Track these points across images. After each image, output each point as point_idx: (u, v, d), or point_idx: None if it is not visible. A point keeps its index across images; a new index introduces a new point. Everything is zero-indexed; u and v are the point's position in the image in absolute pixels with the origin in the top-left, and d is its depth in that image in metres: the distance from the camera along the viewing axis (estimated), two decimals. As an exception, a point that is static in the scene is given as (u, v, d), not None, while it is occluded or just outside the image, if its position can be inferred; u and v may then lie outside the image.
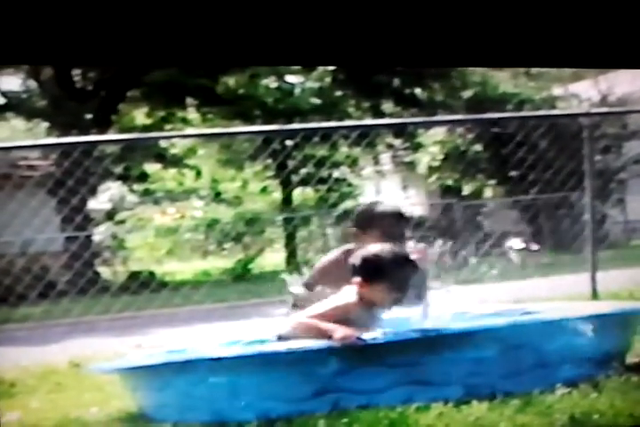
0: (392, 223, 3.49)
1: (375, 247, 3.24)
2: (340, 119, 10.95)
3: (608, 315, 3.40)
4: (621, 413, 2.77)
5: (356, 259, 3.22)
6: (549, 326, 3.23)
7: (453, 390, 2.95)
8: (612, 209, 12.10)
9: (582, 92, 12.94)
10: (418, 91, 13.23)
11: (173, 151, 13.53)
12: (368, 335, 3.03)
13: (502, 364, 3.06)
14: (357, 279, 3.16)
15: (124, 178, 12.90)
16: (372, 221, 3.51)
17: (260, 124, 11.26)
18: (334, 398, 2.93)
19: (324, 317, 3.11)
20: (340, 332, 2.98)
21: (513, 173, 11.22)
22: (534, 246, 11.33)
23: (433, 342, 3.05)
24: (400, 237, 3.47)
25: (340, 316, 3.11)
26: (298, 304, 3.37)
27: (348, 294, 3.19)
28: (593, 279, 5.41)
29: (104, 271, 11.53)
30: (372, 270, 3.16)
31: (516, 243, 11.99)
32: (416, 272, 3.25)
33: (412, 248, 3.39)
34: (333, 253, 3.59)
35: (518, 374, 3.05)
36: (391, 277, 3.14)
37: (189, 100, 12.70)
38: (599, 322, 3.31)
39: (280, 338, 3.18)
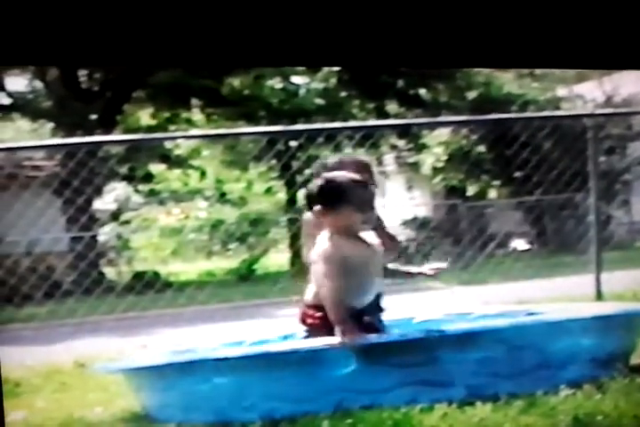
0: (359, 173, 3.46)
1: (327, 174, 3.25)
2: (345, 120, 10.95)
3: (612, 316, 3.40)
4: (625, 414, 2.77)
5: (311, 189, 3.21)
6: (553, 327, 3.23)
7: (457, 390, 2.96)
8: (617, 210, 12.09)
9: (587, 92, 12.93)
10: (422, 92, 13.22)
11: (178, 152, 13.54)
12: (371, 336, 3.04)
13: (506, 365, 3.07)
14: (318, 208, 3.14)
15: (129, 178, 12.92)
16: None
17: (265, 125, 11.28)
18: (338, 399, 2.94)
19: (333, 275, 3.06)
20: (342, 331, 2.98)
21: (517, 174, 11.21)
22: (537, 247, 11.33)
23: (437, 343, 3.05)
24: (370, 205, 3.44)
25: (339, 263, 3.08)
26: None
27: (322, 239, 3.16)
28: (597, 280, 5.41)
29: (109, 271, 11.54)
30: (330, 194, 3.14)
31: (520, 244, 11.99)
32: (373, 194, 3.26)
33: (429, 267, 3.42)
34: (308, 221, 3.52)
35: (522, 375, 3.05)
36: (351, 197, 3.14)
37: (194, 101, 12.71)
38: (603, 323, 3.31)
39: (307, 308, 3.15)
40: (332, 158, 3.70)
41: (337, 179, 3.21)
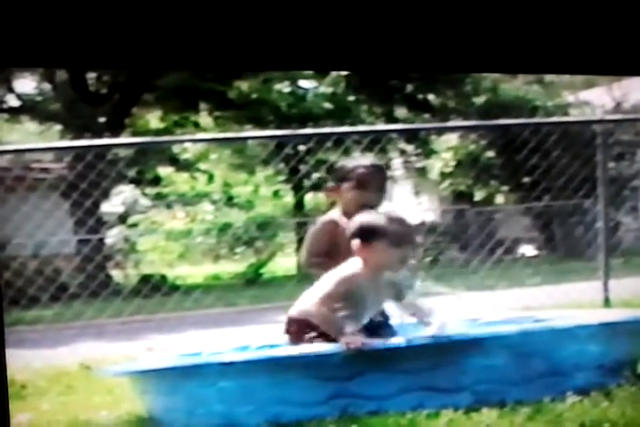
0: (371, 177, 3.50)
1: (371, 212, 3.32)
2: (353, 124, 10.95)
3: (620, 323, 3.39)
4: (633, 422, 2.76)
5: (354, 223, 3.24)
6: (561, 333, 3.23)
7: (463, 396, 2.95)
8: (626, 216, 12.04)
9: (596, 98, 12.90)
10: (431, 97, 13.21)
11: (186, 155, 13.56)
12: (375, 342, 3.04)
13: (513, 371, 3.06)
14: (357, 242, 3.18)
15: (136, 181, 12.93)
16: (349, 176, 3.49)
17: (273, 129, 11.28)
18: (344, 404, 2.94)
19: (331, 297, 3.10)
20: (346, 338, 2.98)
21: (526, 180, 11.19)
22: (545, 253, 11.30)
23: (443, 349, 3.05)
24: (380, 191, 3.50)
25: (348, 290, 3.12)
26: None
27: (351, 265, 3.20)
28: (605, 287, 5.39)
29: (116, 274, 11.54)
30: (372, 231, 3.18)
31: (528, 249, 11.96)
32: (414, 232, 3.33)
33: None
34: (318, 228, 3.56)
35: (529, 381, 3.04)
36: (392, 235, 3.17)
37: (202, 105, 12.73)
38: (611, 330, 3.30)
39: (289, 322, 3.17)
40: (347, 162, 3.68)
41: (379, 216, 3.30)
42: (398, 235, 3.20)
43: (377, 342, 3.03)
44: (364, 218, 3.27)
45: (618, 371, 3.12)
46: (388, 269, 3.21)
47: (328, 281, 3.16)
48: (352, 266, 3.20)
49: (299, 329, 3.12)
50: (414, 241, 3.35)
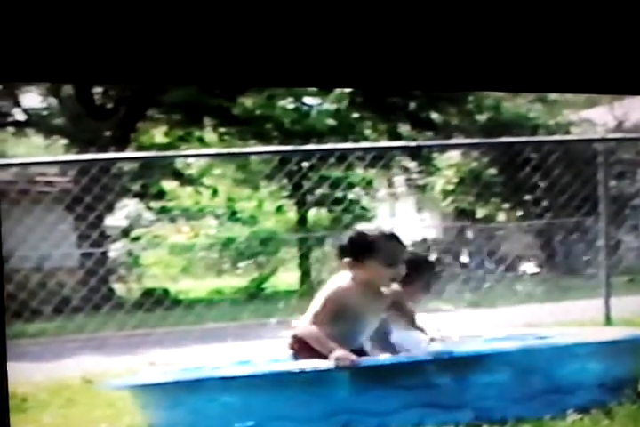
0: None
1: (362, 228, 3.32)
2: (356, 141, 10.99)
3: (621, 341, 3.39)
4: (633, 440, 2.76)
5: (344, 240, 3.22)
6: (562, 351, 3.23)
7: (464, 413, 2.95)
8: (627, 235, 12.04)
9: (597, 117, 12.94)
10: (434, 114, 13.26)
11: (190, 170, 13.59)
12: (366, 359, 3.04)
13: (514, 388, 3.06)
14: (348, 260, 3.17)
15: (141, 195, 12.96)
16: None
17: (277, 145, 11.32)
18: (345, 420, 2.93)
19: (322, 315, 3.10)
20: (336, 353, 2.99)
21: (527, 198, 11.20)
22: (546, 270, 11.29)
23: (445, 365, 3.05)
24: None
25: (339, 306, 3.11)
26: None
27: (341, 279, 3.19)
28: (607, 305, 5.39)
29: (119, 288, 11.54)
30: (362, 247, 3.17)
31: (529, 267, 11.94)
32: (404, 250, 3.27)
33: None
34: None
35: (530, 398, 3.04)
36: (383, 251, 3.16)
37: (207, 120, 12.77)
38: (612, 348, 3.30)
39: (293, 339, 3.17)
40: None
41: (370, 233, 3.29)
42: (391, 254, 3.17)
43: (381, 358, 3.04)
44: (356, 234, 3.25)
45: (619, 389, 3.12)
46: (379, 286, 3.20)
47: (319, 298, 3.16)
48: (341, 281, 3.17)
49: (300, 346, 3.13)
50: (404, 259, 3.26)
